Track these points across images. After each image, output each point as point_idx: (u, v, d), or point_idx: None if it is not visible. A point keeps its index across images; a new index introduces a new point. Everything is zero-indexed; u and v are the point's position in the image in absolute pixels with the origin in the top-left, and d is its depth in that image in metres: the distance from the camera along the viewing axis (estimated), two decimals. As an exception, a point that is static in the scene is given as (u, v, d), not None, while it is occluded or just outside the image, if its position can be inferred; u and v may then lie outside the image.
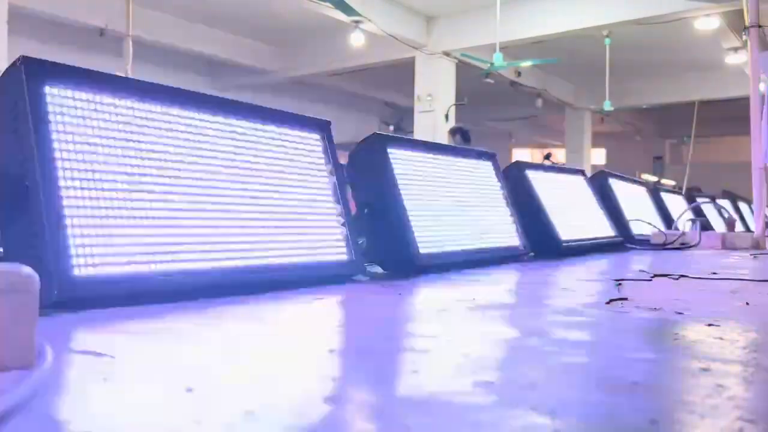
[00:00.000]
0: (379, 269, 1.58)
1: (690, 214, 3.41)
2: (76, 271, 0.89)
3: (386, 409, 0.49)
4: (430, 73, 9.75)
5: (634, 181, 3.50)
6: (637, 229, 2.91)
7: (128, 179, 1.00)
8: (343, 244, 1.36)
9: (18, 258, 0.91)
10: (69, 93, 0.97)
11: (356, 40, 9.16)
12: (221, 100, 1.23)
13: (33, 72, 0.94)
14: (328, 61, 11.00)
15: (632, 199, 3.12)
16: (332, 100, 13.25)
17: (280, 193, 1.27)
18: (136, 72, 5.28)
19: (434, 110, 9.57)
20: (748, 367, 0.64)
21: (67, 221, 0.90)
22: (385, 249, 1.57)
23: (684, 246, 2.85)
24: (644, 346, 0.75)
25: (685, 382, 0.59)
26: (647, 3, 8.03)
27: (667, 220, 3.55)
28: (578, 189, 2.60)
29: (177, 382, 0.54)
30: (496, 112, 14.83)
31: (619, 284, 1.36)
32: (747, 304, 1.10)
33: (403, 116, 12.71)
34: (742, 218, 5.20)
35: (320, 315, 0.93)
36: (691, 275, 1.55)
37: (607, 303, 1.07)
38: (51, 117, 0.94)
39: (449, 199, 1.76)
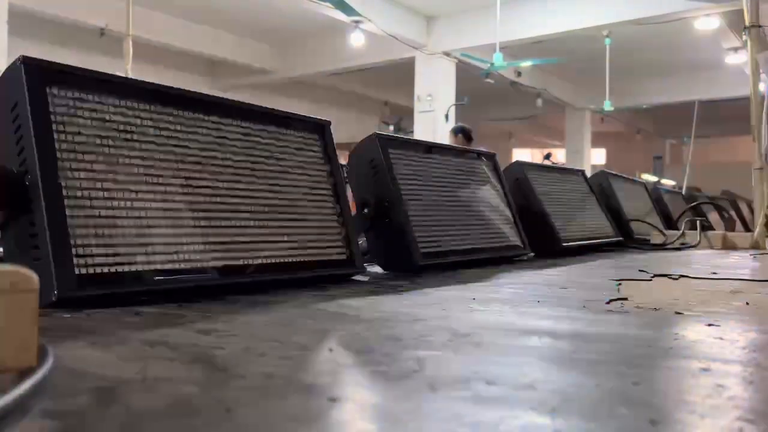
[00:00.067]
0: (379, 269, 1.58)
1: (690, 214, 3.41)
2: (76, 271, 0.89)
3: (386, 409, 0.49)
4: (430, 73, 9.75)
5: (634, 181, 3.50)
6: (637, 229, 2.91)
7: (128, 179, 1.00)
8: (343, 244, 1.36)
9: (18, 258, 0.91)
10: (69, 93, 0.97)
11: (356, 40, 9.16)
12: (221, 100, 1.24)
13: (33, 72, 0.94)
14: (328, 61, 11.01)
15: (632, 199, 3.12)
16: (332, 100, 13.26)
17: (280, 193, 1.27)
18: (136, 72, 5.28)
19: (434, 110, 9.58)
20: (748, 367, 0.64)
21: (68, 221, 0.90)
22: (385, 249, 1.57)
23: (684, 246, 2.85)
24: (644, 346, 0.75)
25: (685, 382, 0.59)
26: (647, 3, 8.03)
27: (667, 220, 3.55)
28: (578, 189, 2.60)
29: (177, 382, 0.54)
30: (496, 112, 14.84)
31: (619, 284, 1.36)
32: (747, 304, 1.10)
33: (403, 116, 12.71)
34: (742, 218, 5.19)
35: (320, 315, 0.93)
36: (691, 275, 1.55)
37: (607, 303, 1.07)
38: (51, 117, 0.94)
39: (449, 199, 1.76)
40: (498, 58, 7.56)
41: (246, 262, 1.14)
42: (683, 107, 12.59)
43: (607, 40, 9.29)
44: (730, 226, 4.43)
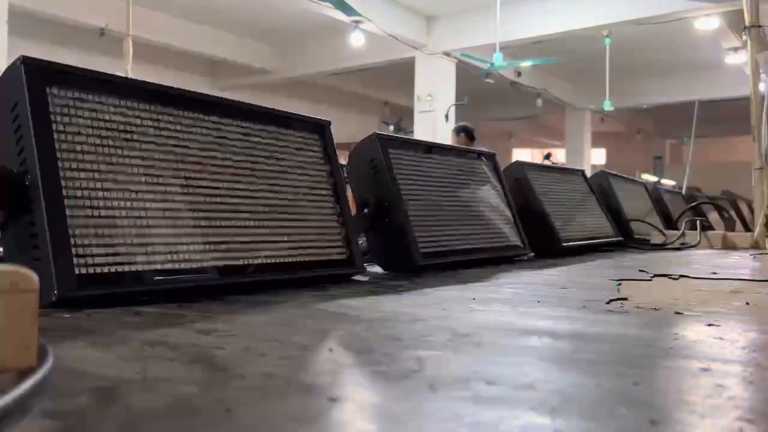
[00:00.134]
0: (379, 269, 1.58)
1: (690, 214, 3.41)
2: (76, 271, 0.89)
3: (386, 409, 0.49)
4: (430, 73, 9.75)
5: (634, 181, 3.51)
6: (637, 229, 2.91)
7: (128, 179, 1.00)
8: (343, 244, 1.36)
9: (18, 258, 0.91)
10: (69, 93, 0.97)
11: (356, 40, 9.16)
12: (221, 100, 1.23)
13: (33, 72, 0.94)
14: (328, 61, 11.01)
15: (632, 199, 3.13)
16: (332, 100, 13.26)
17: (280, 193, 1.27)
18: (136, 72, 5.28)
19: (434, 110, 9.57)
20: (748, 367, 0.64)
21: (68, 221, 0.90)
22: (385, 249, 1.57)
23: (684, 246, 2.85)
24: (644, 346, 0.75)
25: (685, 382, 0.59)
26: (647, 3, 8.03)
27: (667, 220, 3.55)
28: (578, 189, 2.60)
29: (177, 382, 0.54)
30: (496, 112, 14.84)
31: (619, 284, 1.36)
32: (747, 304, 1.10)
33: (403, 116, 12.72)
34: (742, 218, 5.19)
35: (320, 315, 0.93)
36: (691, 275, 1.55)
37: (607, 303, 1.07)
38: (51, 117, 0.94)
39: (449, 199, 1.76)
40: (498, 58, 7.56)
41: (246, 262, 1.14)
42: (683, 107, 12.59)
43: (607, 40, 9.29)
44: (730, 226, 4.43)
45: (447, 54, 9.52)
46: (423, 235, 1.56)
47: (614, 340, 0.78)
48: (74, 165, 0.94)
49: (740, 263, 2.11)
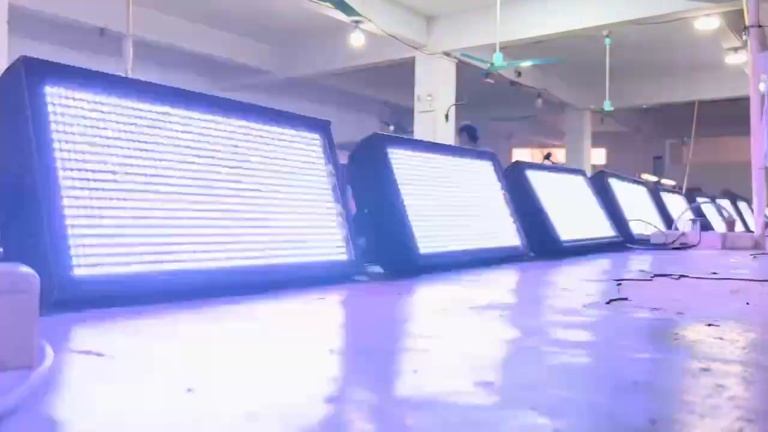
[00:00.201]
0: (379, 269, 1.58)
1: (690, 214, 3.41)
2: (76, 271, 0.89)
3: (386, 410, 0.49)
4: (430, 73, 9.74)
5: (634, 181, 3.51)
6: (637, 229, 2.91)
7: (128, 179, 1.00)
8: (343, 244, 1.36)
9: (18, 258, 0.91)
10: (69, 93, 0.97)
11: (356, 40, 9.15)
12: (221, 100, 1.23)
13: (33, 72, 0.94)
14: (328, 61, 11.00)
15: (632, 199, 3.13)
16: (332, 100, 13.25)
17: (280, 193, 1.27)
18: (136, 72, 5.28)
19: (434, 110, 9.57)
20: (748, 367, 0.64)
21: (67, 221, 0.90)
22: (385, 249, 1.57)
23: (684, 246, 2.85)
24: (644, 346, 0.75)
25: (685, 382, 0.59)
26: (647, 3, 8.03)
27: (667, 220, 3.55)
28: (578, 189, 2.60)
29: (177, 383, 0.54)
30: (496, 112, 14.84)
31: (619, 284, 1.36)
32: (747, 304, 1.10)
33: (403, 116, 12.71)
34: (742, 218, 5.20)
35: (320, 315, 0.93)
36: (691, 275, 1.55)
37: (608, 303, 1.07)
38: (51, 117, 0.94)
39: (449, 199, 1.76)
40: (498, 58, 7.56)
41: (246, 262, 1.14)
42: (683, 107, 12.58)
43: (607, 40, 9.29)
44: (730, 226, 4.43)
45: (447, 54, 9.52)
46: (423, 235, 1.56)
47: (614, 340, 0.78)
48: (74, 165, 0.94)
49: (740, 263, 2.11)
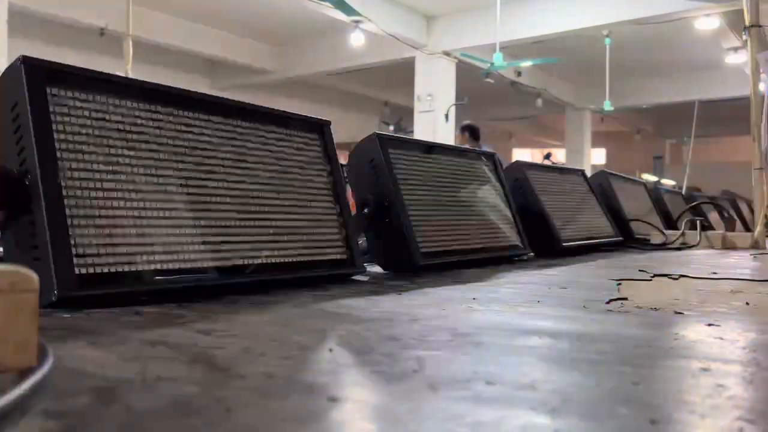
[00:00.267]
0: (379, 269, 1.58)
1: (690, 214, 3.41)
2: (76, 271, 0.89)
3: (386, 409, 0.49)
4: (430, 73, 9.75)
5: (634, 181, 3.50)
6: (637, 229, 2.91)
7: (128, 179, 1.00)
8: (343, 244, 1.36)
9: (18, 258, 0.91)
10: (69, 93, 0.97)
11: (356, 40, 9.16)
12: (221, 100, 1.23)
13: (33, 72, 0.94)
14: (328, 61, 11.01)
15: (632, 199, 3.13)
16: (332, 100, 13.26)
17: (280, 193, 1.27)
18: (136, 72, 5.29)
19: (434, 110, 9.57)
20: (748, 367, 0.64)
21: (67, 221, 0.90)
22: (385, 249, 1.57)
23: (684, 246, 2.85)
24: (644, 346, 0.75)
25: (685, 382, 0.59)
26: (647, 3, 8.03)
27: (667, 220, 3.55)
28: (578, 189, 2.60)
29: (177, 382, 0.54)
30: (496, 112, 14.85)
31: (619, 284, 1.36)
32: (747, 304, 1.10)
33: (403, 116, 12.72)
34: (742, 218, 5.19)
35: (320, 315, 0.93)
36: (691, 275, 1.55)
37: (607, 303, 1.07)
38: (51, 117, 0.94)
39: (449, 199, 1.76)
40: (498, 58, 7.57)
41: (246, 262, 1.14)
42: (683, 107, 12.59)
43: (607, 40, 9.30)
44: (730, 226, 4.43)
45: (447, 54, 9.52)
46: (423, 235, 1.56)
47: (614, 340, 0.78)
48: (74, 165, 0.94)
49: (740, 263, 2.11)
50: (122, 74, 3.12)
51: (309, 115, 1.43)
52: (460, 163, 1.89)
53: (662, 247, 2.82)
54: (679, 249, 2.76)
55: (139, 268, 0.97)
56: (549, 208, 2.21)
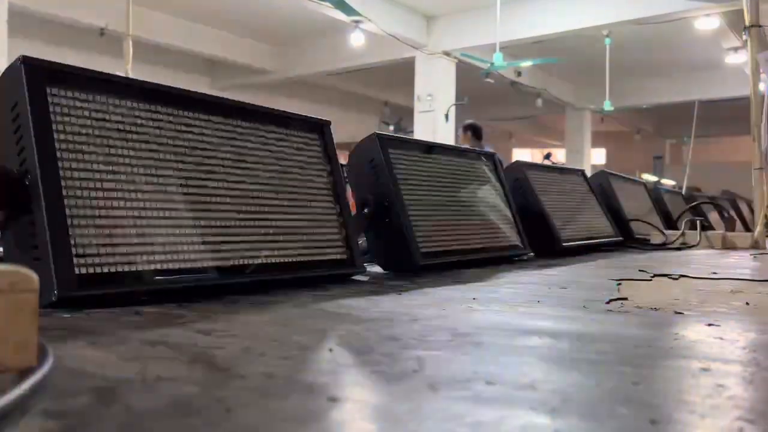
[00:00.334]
0: (379, 269, 1.58)
1: (690, 214, 3.41)
2: (76, 271, 0.89)
3: (386, 409, 0.49)
4: (430, 73, 9.75)
5: (634, 181, 3.50)
6: (637, 229, 2.91)
7: (128, 179, 1.00)
8: (343, 244, 1.36)
9: (18, 258, 0.91)
10: (69, 93, 0.97)
11: (356, 40, 9.16)
12: (221, 100, 1.23)
13: (33, 72, 0.94)
14: (328, 61, 11.01)
15: (632, 199, 3.13)
16: (332, 100, 13.26)
17: (280, 193, 1.27)
18: (136, 72, 5.29)
19: (434, 110, 9.57)
20: (748, 367, 0.64)
21: (67, 221, 0.90)
22: (385, 249, 1.57)
23: (684, 246, 2.85)
24: (644, 346, 0.75)
25: (685, 382, 0.59)
26: (647, 3, 8.03)
27: (667, 220, 3.55)
28: (578, 189, 2.60)
29: (177, 382, 0.54)
30: (496, 112, 14.85)
31: (619, 284, 1.36)
32: (747, 304, 1.10)
33: (403, 116, 12.72)
34: (742, 218, 5.19)
35: (320, 315, 0.93)
36: (691, 275, 1.55)
37: (607, 303, 1.07)
38: (51, 117, 0.94)
39: (449, 199, 1.76)
40: (498, 58, 7.56)
41: (246, 262, 1.14)
42: (683, 107, 12.59)
43: (607, 40, 9.30)
44: (730, 226, 4.43)
45: (447, 54, 9.52)
46: (423, 235, 1.56)
47: (614, 340, 0.78)
48: (74, 165, 0.94)
49: (740, 263, 2.11)
50: (122, 74, 3.12)
51: (309, 115, 1.43)
52: (460, 163, 1.89)
53: (662, 247, 2.82)
54: (679, 249, 2.76)
55: (139, 268, 0.97)
56: (549, 208, 2.21)
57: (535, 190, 2.20)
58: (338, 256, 1.35)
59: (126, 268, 0.95)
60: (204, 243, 1.08)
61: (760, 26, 3.35)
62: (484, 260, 1.80)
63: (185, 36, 9.96)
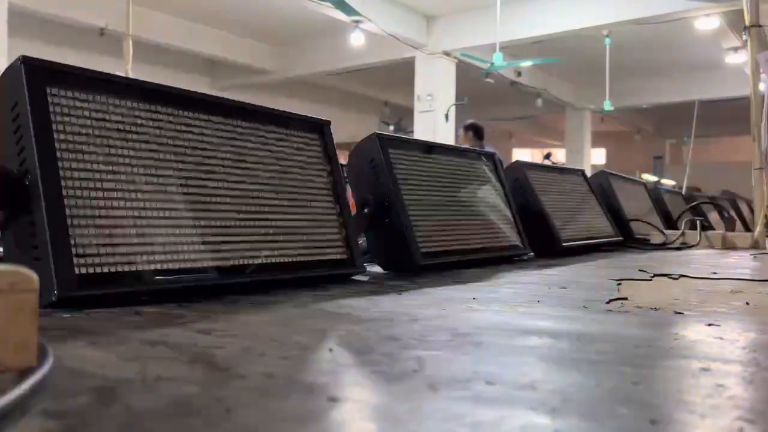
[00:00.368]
0: (379, 269, 1.58)
1: (690, 214, 3.41)
2: (76, 271, 0.89)
3: (386, 409, 0.49)
4: (430, 73, 9.74)
5: (634, 181, 3.50)
6: (637, 229, 2.91)
7: (128, 179, 1.00)
8: (343, 244, 1.36)
9: (18, 258, 0.91)
10: (69, 93, 0.97)
11: (356, 40, 9.16)
12: (221, 100, 1.23)
13: (33, 72, 0.94)
14: (328, 61, 11.01)
15: (632, 199, 3.13)
16: (332, 100, 13.26)
17: (280, 193, 1.27)
18: (136, 72, 5.29)
19: (434, 110, 9.57)
20: (748, 367, 0.64)
21: (68, 221, 0.90)
22: (385, 249, 1.57)
23: (684, 246, 2.85)
24: (644, 346, 0.75)
25: (685, 382, 0.59)
26: (647, 3, 8.03)
27: (667, 220, 3.55)
28: (578, 189, 2.60)
29: (177, 382, 0.54)
30: (496, 112, 14.85)
31: (619, 284, 1.36)
32: (747, 304, 1.10)
33: (403, 116, 12.72)
34: (742, 218, 5.19)
35: (320, 315, 0.93)
36: (691, 275, 1.55)
37: (607, 303, 1.07)
38: (51, 117, 0.94)
39: (449, 199, 1.76)
40: (498, 58, 7.56)
41: (246, 262, 1.14)
42: (683, 107, 12.59)
43: (607, 40, 9.29)
44: (730, 226, 4.43)
45: (447, 54, 9.52)
46: (423, 235, 1.56)
47: (614, 340, 0.78)
48: (74, 165, 0.94)
49: (740, 263, 2.11)
50: (122, 74, 3.12)
51: (309, 115, 1.43)
52: (460, 163, 1.89)
53: (662, 247, 2.82)
54: (679, 249, 2.76)
55: (139, 268, 0.97)
56: (549, 208, 2.21)
57: (535, 190, 2.20)
58: (338, 256, 1.35)
59: (126, 268, 0.95)
60: (204, 243, 1.08)
61: (760, 26, 3.35)
62: (484, 260, 1.80)
63: (185, 36, 9.96)
